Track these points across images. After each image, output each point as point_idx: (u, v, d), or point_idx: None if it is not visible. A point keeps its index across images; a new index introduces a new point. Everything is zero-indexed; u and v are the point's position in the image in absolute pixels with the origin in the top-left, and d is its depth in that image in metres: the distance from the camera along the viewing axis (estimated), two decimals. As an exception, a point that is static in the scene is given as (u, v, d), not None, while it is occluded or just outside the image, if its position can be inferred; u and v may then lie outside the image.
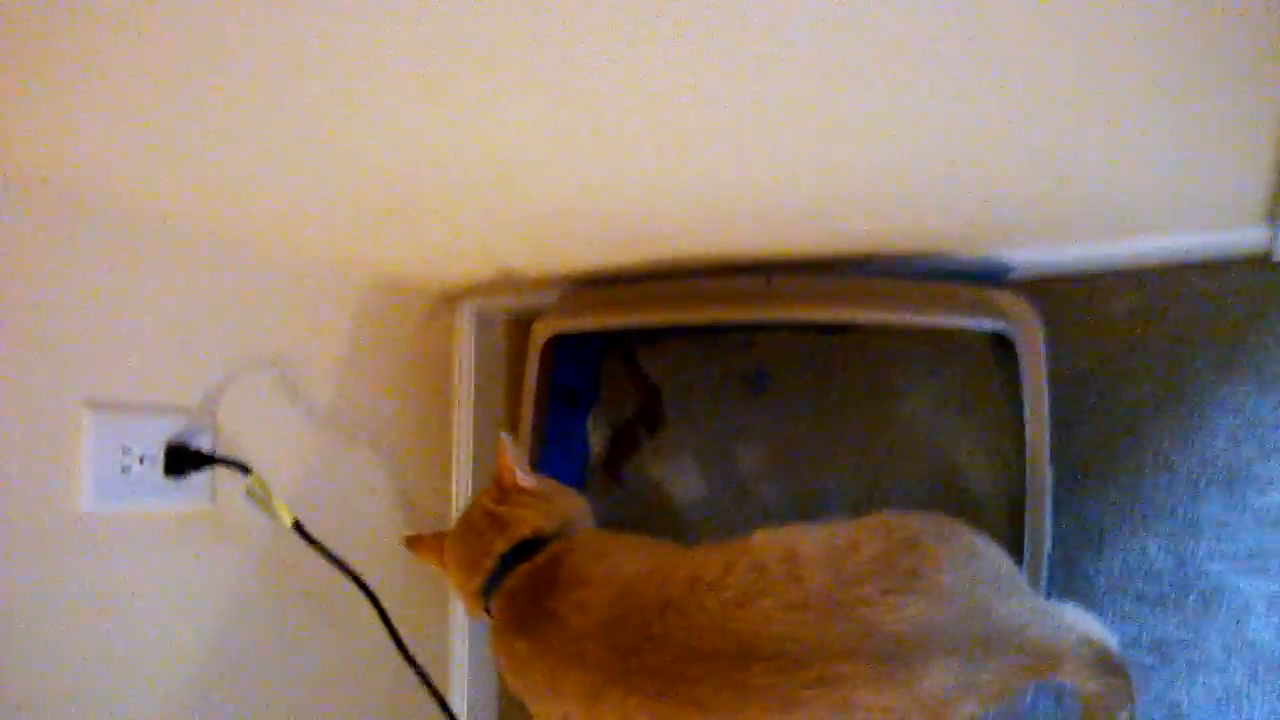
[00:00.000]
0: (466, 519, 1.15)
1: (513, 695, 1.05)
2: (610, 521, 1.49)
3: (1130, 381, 1.30)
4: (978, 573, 0.94)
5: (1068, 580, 1.29)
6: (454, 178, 1.01)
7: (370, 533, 1.42)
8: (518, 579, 1.07)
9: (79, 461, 1.04)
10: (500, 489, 1.14)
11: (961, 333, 1.29)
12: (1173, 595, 1.25)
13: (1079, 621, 0.97)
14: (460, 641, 1.60)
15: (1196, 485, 1.26)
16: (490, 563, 1.09)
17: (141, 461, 1.10)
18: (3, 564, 0.97)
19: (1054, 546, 1.28)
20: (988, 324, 1.23)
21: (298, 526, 1.18)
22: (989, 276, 1.36)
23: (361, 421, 1.43)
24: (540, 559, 1.07)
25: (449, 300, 1.59)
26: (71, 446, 1.04)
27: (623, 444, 1.50)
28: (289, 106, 0.83)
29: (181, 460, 1.13)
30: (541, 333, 1.39)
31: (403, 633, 1.24)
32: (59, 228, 1.03)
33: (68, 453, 1.03)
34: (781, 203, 1.12)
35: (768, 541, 0.98)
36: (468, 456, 1.57)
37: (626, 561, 1.04)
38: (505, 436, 1.16)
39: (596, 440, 1.52)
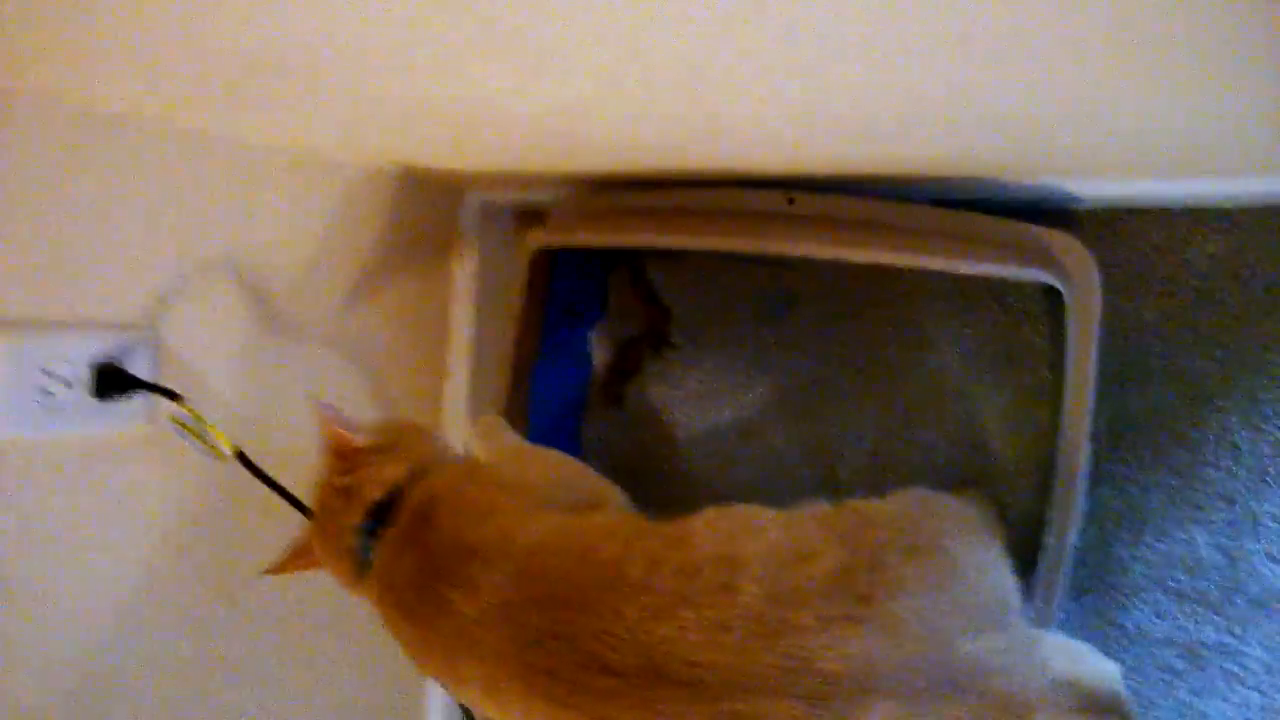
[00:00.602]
0: (318, 503, 1.01)
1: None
2: (608, 450, 1.39)
3: (1201, 343, 1.10)
4: (946, 602, 0.80)
5: (1100, 566, 1.14)
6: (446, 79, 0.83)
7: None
8: (387, 549, 0.94)
9: (-13, 387, 0.95)
10: (339, 458, 1.00)
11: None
12: (1217, 596, 1.09)
13: (1065, 660, 0.83)
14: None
15: (1263, 474, 1.07)
16: (351, 539, 0.95)
17: (67, 385, 1.01)
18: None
19: (1086, 528, 1.13)
20: (1032, 275, 1.04)
21: (241, 457, 1.09)
22: (1048, 208, 1.16)
23: (342, 331, 1.31)
24: (403, 518, 0.94)
25: (451, 191, 1.44)
26: (-22, 371, 0.95)
27: (625, 365, 1.38)
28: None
29: (113, 382, 1.04)
30: (530, 245, 1.24)
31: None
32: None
33: (-26, 378, 0.95)
34: (810, 122, 0.93)
35: (710, 532, 0.86)
36: (464, 369, 1.46)
37: (518, 523, 0.91)
38: (320, 404, 1.01)
39: (599, 357, 1.40)
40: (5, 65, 0.89)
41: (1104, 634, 1.14)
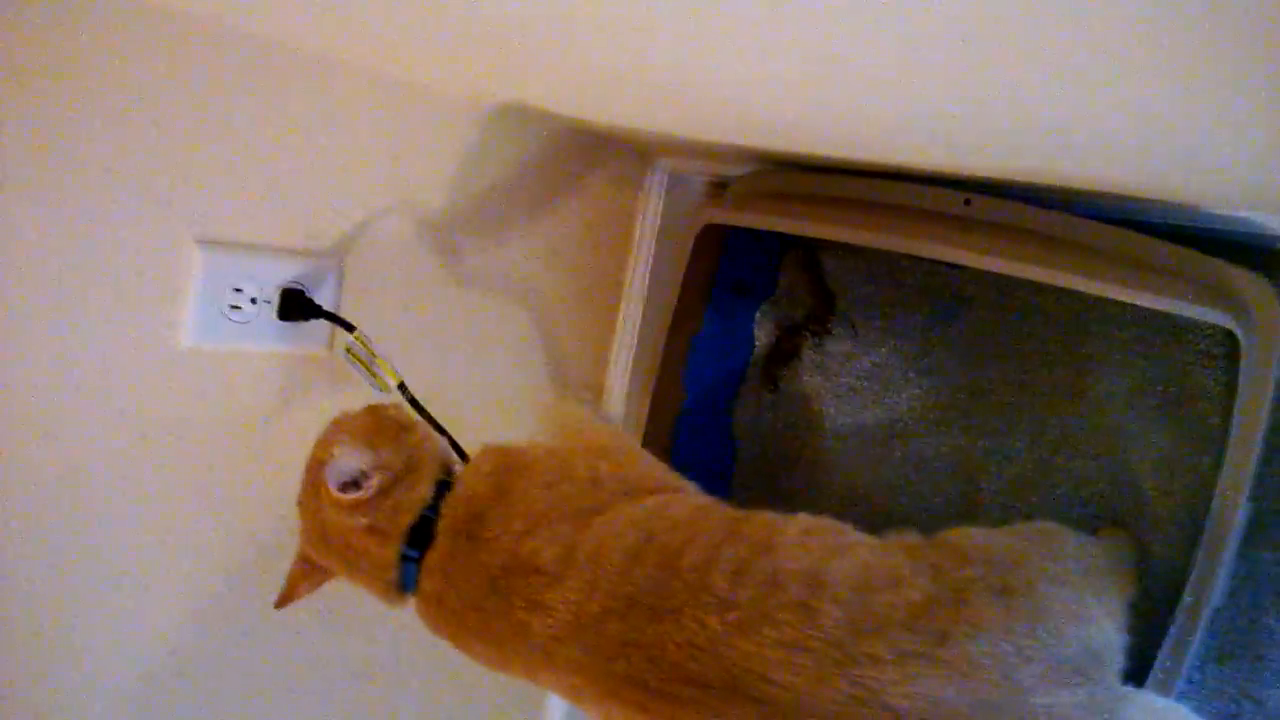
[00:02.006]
0: (329, 540, 0.96)
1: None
2: (756, 431, 1.40)
3: (1401, 416, 1.00)
4: (1029, 649, 0.77)
5: (1247, 633, 1.06)
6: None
7: (509, 401, 1.39)
8: (434, 575, 0.92)
9: (185, 298, 1.06)
10: (353, 508, 0.93)
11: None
12: (1375, 691, 1.00)
13: None
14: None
15: None
16: (391, 573, 0.93)
17: (254, 303, 1.11)
18: (101, 393, 1.02)
19: (1238, 592, 1.05)
20: (1209, 315, 0.97)
21: (403, 389, 1.16)
22: (1246, 244, 1.08)
23: (518, 280, 1.37)
24: (443, 540, 0.92)
25: (641, 156, 1.47)
26: (179, 283, 1.06)
27: (785, 349, 1.37)
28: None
29: (296, 306, 1.14)
30: (699, 220, 1.26)
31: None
32: (188, 54, 1.00)
33: (174, 289, 1.05)
34: (994, 134, 0.89)
35: (800, 544, 0.85)
36: (633, 330, 1.49)
37: (578, 531, 0.89)
38: (329, 467, 0.93)
39: (761, 337, 1.40)
40: (248, 16, 0.98)
41: (1239, 706, 1.06)
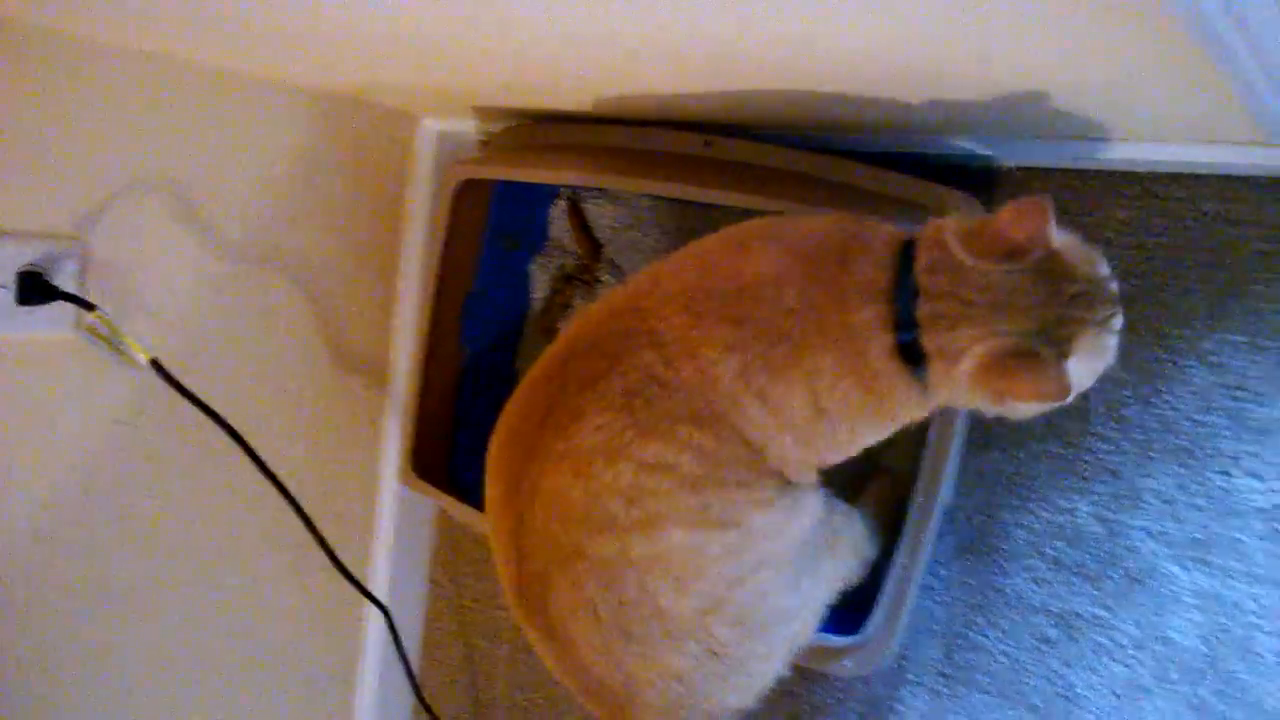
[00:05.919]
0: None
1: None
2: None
3: (1101, 313, 1.08)
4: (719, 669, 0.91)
5: (983, 529, 1.13)
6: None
7: (287, 380, 1.39)
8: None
9: (-90, 286, 1.02)
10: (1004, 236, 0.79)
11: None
12: (1094, 567, 1.08)
13: None
14: (387, 515, 1.57)
15: (1149, 448, 1.05)
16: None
17: (-12, 288, 1.08)
18: None
19: (973, 491, 1.13)
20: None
21: (156, 365, 1.15)
22: (969, 166, 1.14)
23: (289, 254, 1.36)
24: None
25: (407, 118, 1.47)
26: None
27: (558, 300, 1.39)
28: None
29: (37, 289, 1.11)
30: (452, 178, 1.27)
31: (320, 500, 1.24)
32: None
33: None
34: (725, 62, 0.93)
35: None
36: (413, 297, 1.48)
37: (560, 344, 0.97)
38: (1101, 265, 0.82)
39: (537, 289, 1.42)
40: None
41: (983, 596, 1.14)
